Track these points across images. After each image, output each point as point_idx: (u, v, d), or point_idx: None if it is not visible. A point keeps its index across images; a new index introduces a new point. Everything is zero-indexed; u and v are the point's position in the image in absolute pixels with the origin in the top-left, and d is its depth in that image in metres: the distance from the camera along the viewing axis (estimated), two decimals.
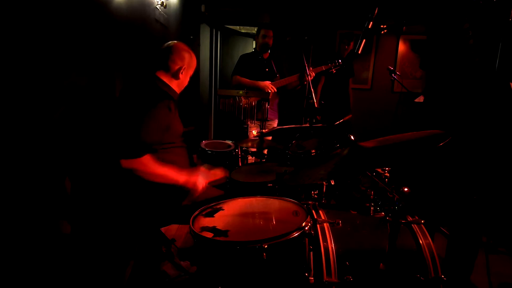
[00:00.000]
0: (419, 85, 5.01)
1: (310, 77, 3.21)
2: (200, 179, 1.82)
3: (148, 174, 1.68)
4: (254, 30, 6.29)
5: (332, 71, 3.72)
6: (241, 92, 3.17)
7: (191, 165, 2.00)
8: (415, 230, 1.47)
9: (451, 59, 2.04)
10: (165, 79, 1.87)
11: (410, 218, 1.48)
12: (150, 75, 1.86)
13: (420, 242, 1.43)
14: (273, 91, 3.51)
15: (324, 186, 1.93)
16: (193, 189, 1.81)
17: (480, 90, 1.94)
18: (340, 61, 3.65)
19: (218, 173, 1.95)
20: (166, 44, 1.90)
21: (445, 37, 2.05)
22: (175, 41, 1.91)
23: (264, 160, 2.92)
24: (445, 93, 2.09)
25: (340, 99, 4.31)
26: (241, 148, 2.83)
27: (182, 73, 1.89)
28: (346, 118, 3.01)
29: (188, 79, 1.98)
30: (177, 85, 1.93)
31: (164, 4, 3.20)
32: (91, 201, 1.92)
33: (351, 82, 4.44)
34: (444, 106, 2.09)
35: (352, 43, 4.28)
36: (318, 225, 1.47)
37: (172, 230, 2.83)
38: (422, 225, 1.48)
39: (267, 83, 3.53)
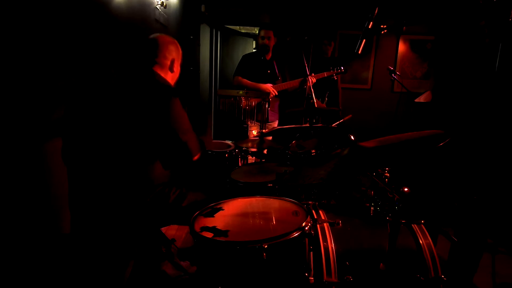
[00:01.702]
0: (419, 85, 5.03)
1: (311, 82, 3.21)
2: None
3: None
4: (254, 30, 6.29)
5: (334, 78, 3.73)
6: (241, 92, 3.17)
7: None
8: (415, 230, 1.47)
9: (460, 59, 2.03)
10: (162, 73, 1.90)
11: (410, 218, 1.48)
12: (148, 71, 1.87)
13: (420, 242, 1.43)
14: (274, 94, 3.51)
15: (324, 186, 1.93)
16: None
17: (483, 90, 1.94)
18: (342, 68, 3.66)
19: None
20: (150, 37, 1.91)
21: (454, 37, 2.05)
22: (157, 34, 1.93)
23: (264, 160, 2.92)
24: (452, 92, 2.09)
25: (329, 96, 4.30)
26: (241, 148, 2.83)
27: (175, 65, 1.93)
28: (346, 118, 3.01)
29: (179, 70, 2.01)
30: (172, 78, 1.97)
31: (164, 4, 3.19)
32: (91, 201, 1.91)
33: (340, 79, 4.44)
34: (450, 105, 2.09)
35: (333, 43, 4.33)
36: (318, 225, 1.47)
37: (172, 230, 2.83)
38: (422, 225, 1.48)
39: (269, 85, 3.53)
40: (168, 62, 1.90)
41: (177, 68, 1.97)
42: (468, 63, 2.01)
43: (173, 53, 1.92)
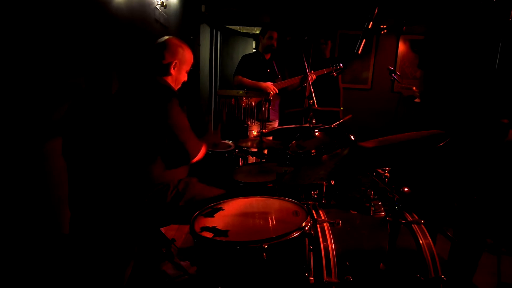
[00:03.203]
0: (419, 85, 5.02)
1: (311, 79, 3.22)
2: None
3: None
4: (254, 30, 6.29)
5: (333, 74, 3.73)
6: (241, 92, 3.17)
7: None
8: (415, 230, 1.47)
9: (450, 59, 2.03)
10: (163, 75, 1.88)
11: (410, 218, 1.48)
12: (148, 73, 1.87)
13: (420, 242, 1.43)
14: (274, 92, 3.52)
15: (324, 186, 1.92)
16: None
17: (479, 90, 1.94)
18: (341, 64, 3.66)
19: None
20: (159, 40, 1.89)
21: (445, 37, 2.05)
22: (168, 37, 1.90)
23: (264, 160, 2.92)
24: (444, 92, 2.09)
25: (329, 94, 4.30)
26: (241, 148, 2.83)
27: (174, 68, 1.87)
28: (346, 118, 3.01)
29: (184, 74, 1.96)
30: (172, 81, 1.91)
31: (164, 4, 3.19)
32: (91, 201, 1.92)
33: (340, 79, 4.43)
34: (443, 106, 2.09)
35: (329, 42, 4.30)
36: (318, 225, 1.47)
37: (172, 230, 2.83)
38: (422, 225, 1.48)
39: (269, 84, 3.54)
40: (164, 63, 1.86)
41: (178, 71, 1.91)
42: (462, 63, 2.01)
43: (178, 56, 1.88)
